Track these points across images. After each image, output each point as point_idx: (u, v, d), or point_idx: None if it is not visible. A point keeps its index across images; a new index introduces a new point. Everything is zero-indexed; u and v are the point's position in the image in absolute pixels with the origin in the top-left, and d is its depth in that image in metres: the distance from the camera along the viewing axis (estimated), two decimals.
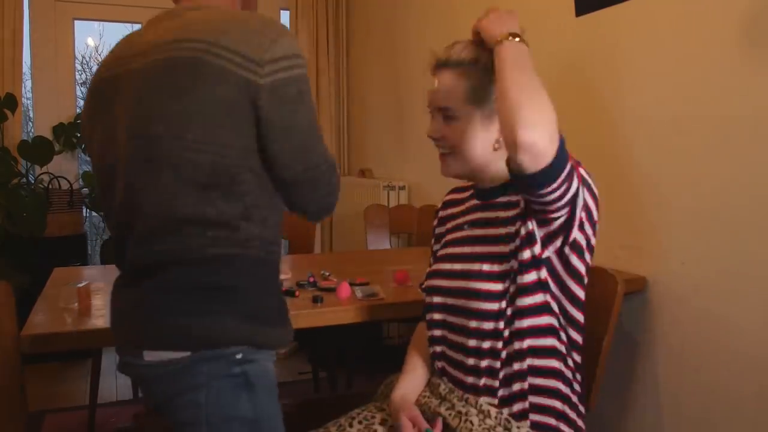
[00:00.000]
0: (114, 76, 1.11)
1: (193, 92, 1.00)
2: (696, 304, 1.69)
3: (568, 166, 1.05)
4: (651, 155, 1.83)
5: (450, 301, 1.26)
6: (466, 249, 1.26)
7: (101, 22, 4.50)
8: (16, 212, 3.24)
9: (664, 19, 1.77)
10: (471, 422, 1.18)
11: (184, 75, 1.01)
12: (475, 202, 1.31)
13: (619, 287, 1.52)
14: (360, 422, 1.31)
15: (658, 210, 1.81)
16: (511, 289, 1.17)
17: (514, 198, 1.21)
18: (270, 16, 1.10)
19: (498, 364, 1.19)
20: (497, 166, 1.22)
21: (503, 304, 1.17)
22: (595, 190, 1.17)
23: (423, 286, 1.35)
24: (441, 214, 1.43)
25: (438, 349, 1.30)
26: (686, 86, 1.71)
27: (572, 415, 1.21)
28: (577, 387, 1.23)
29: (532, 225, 1.15)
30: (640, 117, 1.86)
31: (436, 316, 1.29)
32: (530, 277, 1.15)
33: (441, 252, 1.34)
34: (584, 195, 1.12)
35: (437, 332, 1.29)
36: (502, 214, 1.23)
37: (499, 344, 1.18)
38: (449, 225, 1.38)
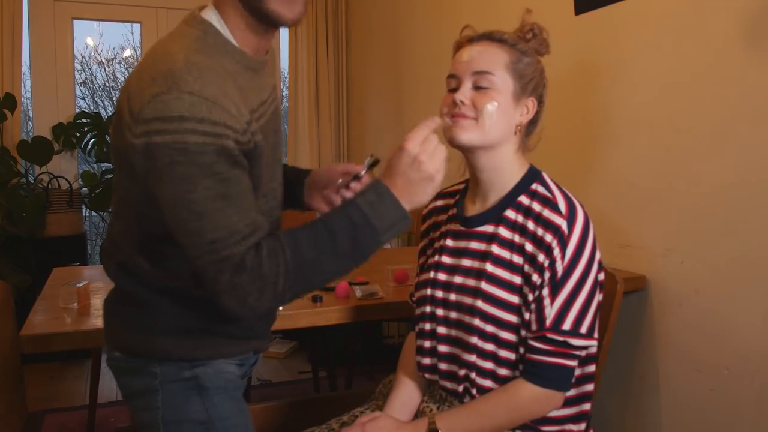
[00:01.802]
0: None
1: (114, 133, 1.03)
2: (696, 304, 1.69)
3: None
4: (650, 154, 1.82)
5: (446, 313, 1.24)
6: (459, 279, 1.23)
7: (100, 22, 4.50)
8: (15, 212, 3.24)
9: (664, 18, 1.77)
10: None
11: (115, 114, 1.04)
12: (458, 227, 1.27)
13: (619, 286, 1.52)
14: None
15: (658, 209, 1.80)
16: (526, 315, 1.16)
17: (500, 232, 1.19)
18: (188, 60, 0.94)
19: (504, 372, 1.19)
20: (508, 151, 1.20)
21: (519, 317, 1.16)
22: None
23: (414, 298, 1.33)
24: (425, 224, 1.38)
25: (428, 361, 1.27)
26: (686, 85, 1.71)
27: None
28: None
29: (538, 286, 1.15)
30: (639, 116, 1.86)
31: (428, 327, 1.26)
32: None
33: (431, 261, 1.29)
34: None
35: (428, 343, 1.27)
36: (496, 250, 1.19)
37: (513, 355, 1.18)
38: (432, 235, 1.35)
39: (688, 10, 1.69)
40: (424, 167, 1.00)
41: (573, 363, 1.15)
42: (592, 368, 1.23)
